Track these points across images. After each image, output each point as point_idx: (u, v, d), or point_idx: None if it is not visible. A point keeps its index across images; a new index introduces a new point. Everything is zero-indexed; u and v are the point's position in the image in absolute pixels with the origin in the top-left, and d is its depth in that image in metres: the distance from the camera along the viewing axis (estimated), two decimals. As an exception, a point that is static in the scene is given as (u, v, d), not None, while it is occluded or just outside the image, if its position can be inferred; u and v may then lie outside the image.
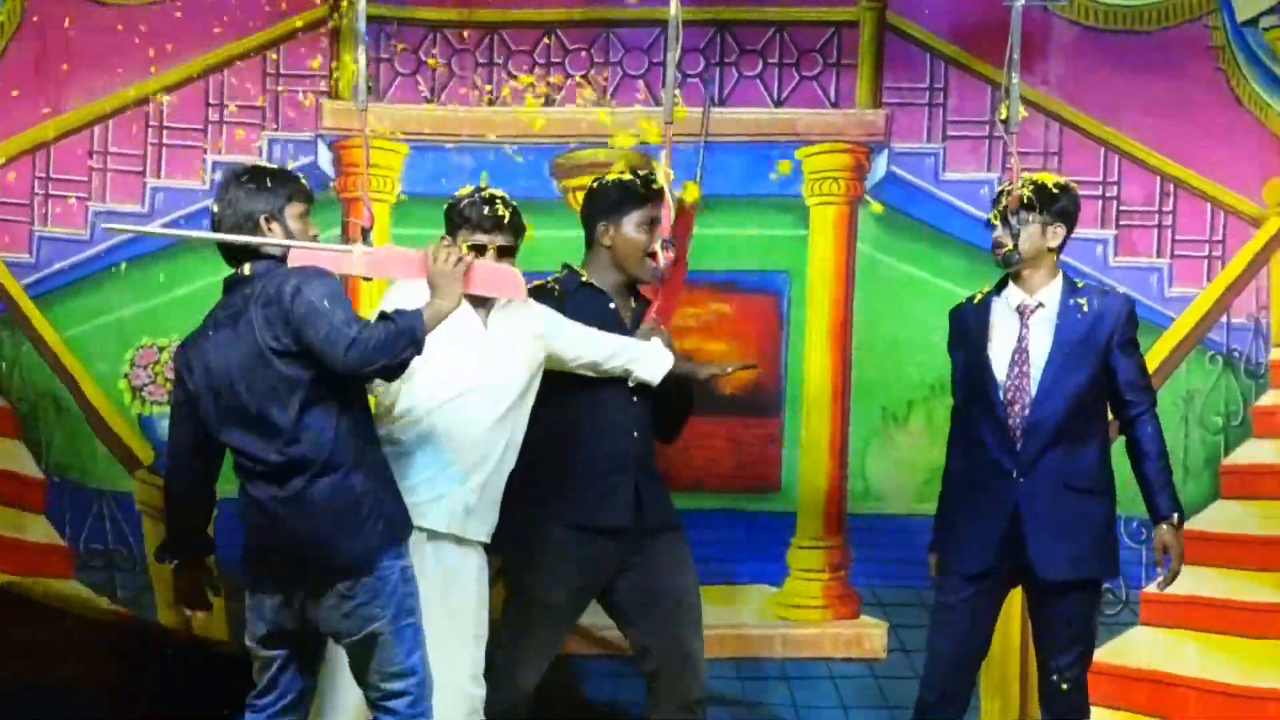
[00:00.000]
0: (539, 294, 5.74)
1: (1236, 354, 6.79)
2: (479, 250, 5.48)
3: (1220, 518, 6.73)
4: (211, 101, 6.74)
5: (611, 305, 5.83)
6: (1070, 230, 5.73)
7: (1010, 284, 5.70)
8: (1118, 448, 5.87)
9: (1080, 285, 5.79)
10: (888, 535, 6.79)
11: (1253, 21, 6.75)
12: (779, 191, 6.50)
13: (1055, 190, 5.67)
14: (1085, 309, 5.68)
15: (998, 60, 5.97)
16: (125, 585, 6.77)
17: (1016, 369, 5.65)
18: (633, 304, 5.91)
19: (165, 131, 6.75)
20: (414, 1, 6.73)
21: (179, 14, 6.72)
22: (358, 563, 5.01)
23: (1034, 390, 5.61)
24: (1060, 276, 5.70)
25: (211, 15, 6.71)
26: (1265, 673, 6.63)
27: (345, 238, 5.91)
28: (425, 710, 5.15)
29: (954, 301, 5.94)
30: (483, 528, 5.50)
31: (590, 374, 5.69)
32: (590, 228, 5.85)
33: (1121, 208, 6.83)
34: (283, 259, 5.14)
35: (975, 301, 5.81)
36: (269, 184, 5.35)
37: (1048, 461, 5.61)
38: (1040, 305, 5.66)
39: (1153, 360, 6.55)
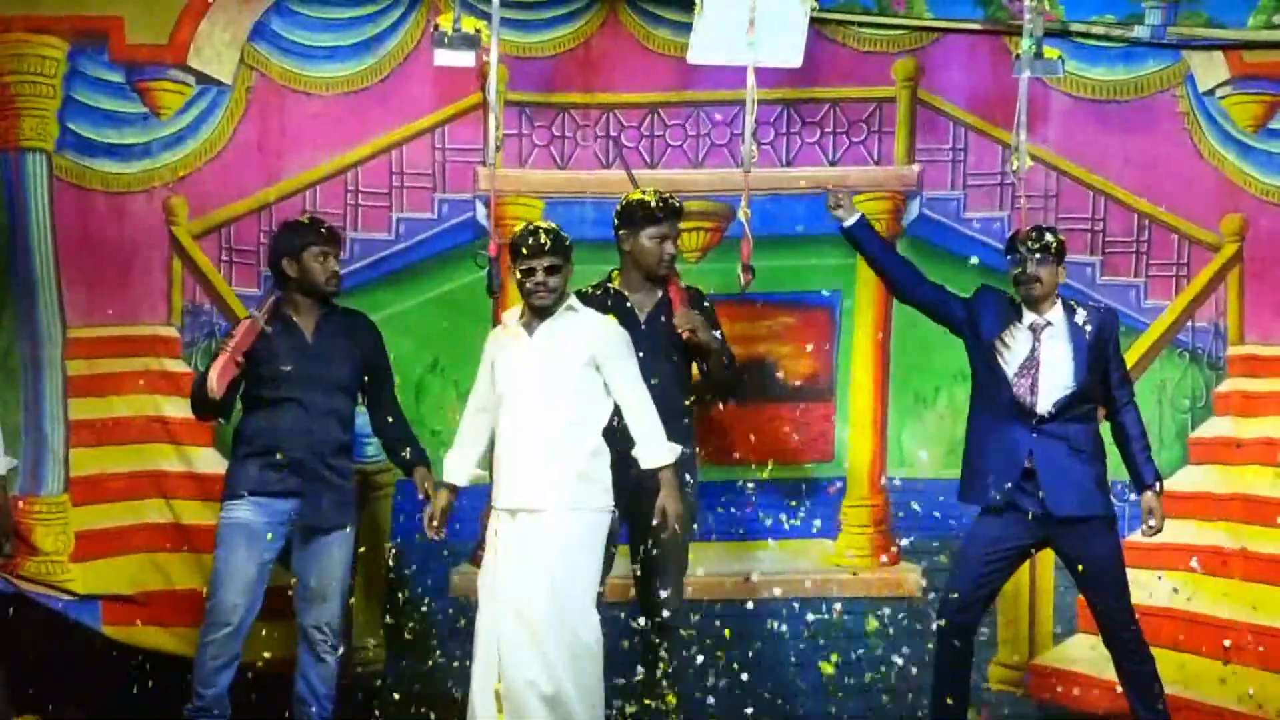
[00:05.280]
0: (586, 300, 6.28)
1: (1200, 351, 7.28)
2: (529, 273, 6.01)
3: (1188, 480, 7.26)
4: (394, 170, 7.24)
5: (628, 304, 6.37)
6: None
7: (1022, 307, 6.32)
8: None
9: (1073, 305, 6.30)
10: (918, 495, 7.17)
11: (1211, 92, 7.28)
12: (834, 230, 6.64)
13: (1063, 242, 6.38)
14: (1087, 325, 6.23)
15: (1007, 125, 6.48)
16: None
17: (1026, 373, 6.26)
18: (658, 295, 6.39)
19: (360, 194, 7.26)
20: (548, 89, 7.24)
21: (366, 101, 7.23)
22: None
23: (1041, 391, 6.22)
24: (1059, 300, 6.31)
25: (391, 102, 7.22)
26: (1223, 604, 7.11)
27: (495, 270, 6.26)
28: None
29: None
30: (545, 497, 6.00)
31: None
32: (616, 237, 6.43)
33: (1106, 238, 7.30)
34: (281, 297, 6.25)
35: (1004, 298, 6.35)
36: (294, 231, 6.33)
37: (1053, 428, 6.23)
38: (1049, 324, 6.28)
39: (1132, 357, 7.09)
